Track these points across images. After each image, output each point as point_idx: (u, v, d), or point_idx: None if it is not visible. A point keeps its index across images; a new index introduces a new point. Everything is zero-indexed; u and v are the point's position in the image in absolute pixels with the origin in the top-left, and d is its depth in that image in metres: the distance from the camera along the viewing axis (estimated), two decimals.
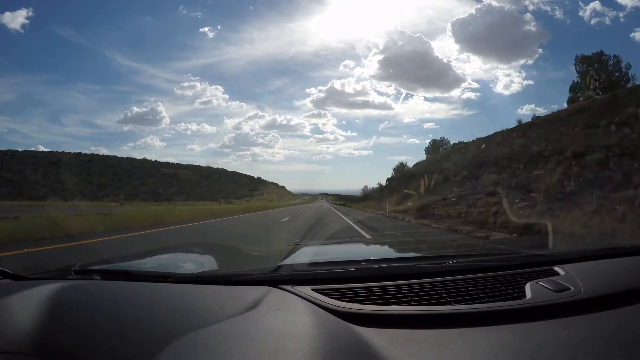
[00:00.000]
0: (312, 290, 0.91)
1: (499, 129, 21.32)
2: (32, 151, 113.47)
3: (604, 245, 1.77)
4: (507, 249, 1.61)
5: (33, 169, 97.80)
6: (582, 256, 1.21)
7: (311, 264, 1.16)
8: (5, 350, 0.69)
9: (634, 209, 7.26)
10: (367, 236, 7.94)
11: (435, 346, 0.70)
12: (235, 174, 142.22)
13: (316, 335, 0.69)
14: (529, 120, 19.15)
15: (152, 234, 9.08)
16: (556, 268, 1.05)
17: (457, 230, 9.03)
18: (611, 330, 0.76)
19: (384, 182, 45.81)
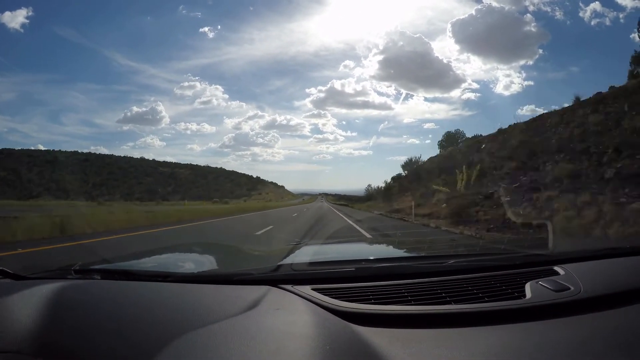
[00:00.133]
0: (312, 289, 0.91)
1: (552, 109, 16.51)
2: (27, 150, 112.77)
3: (604, 245, 1.75)
4: (506, 248, 1.61)
5: (28, 167, 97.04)
6: (582, 256, 1.21)
7: (311, 264, 1.16)
8: (6, 349, 0.70)
9: None
10: (368, 236, 7.88)
11: (435, 346, 0.70)
12: (233, 173, 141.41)
13: (316, 335, 0.69)
14: (594, 94, 14.65)
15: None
16: (556, 268, 1.05)
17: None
18: (611, 330, 0.76)
19: (389, 180, 40.16)
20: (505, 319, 0.78)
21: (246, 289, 0.93)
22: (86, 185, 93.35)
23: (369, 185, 55.54)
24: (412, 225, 11.90)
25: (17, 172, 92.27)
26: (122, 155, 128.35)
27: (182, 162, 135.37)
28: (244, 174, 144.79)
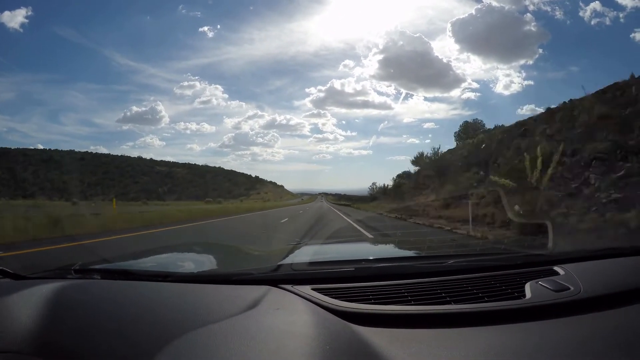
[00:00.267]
0: (312, 289, 0.91)
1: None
2: (24, 149, 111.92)
3: (604, 245, 1.76)
4: (506, 248, 1.60)
5: (23, 166, 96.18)
6: (582, 256, 1.20)
7: (311, 264, 1.16)
8: (6, 349, 0.70)
9: None
10: (369, 235, 7.62)
11: (435, 346, 0.70)
12: (231, 172, 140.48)
13: (316, 335, 0.69)
14: None
15: None
16: (556, 268, 1.05)
17: None
18: (611, 330, 0.76)
19: (394, 178, 36.57)
20: (505, 319, 0.78)
21: (246, 288, 0.93)
22: (81, 184, 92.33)
23: (374, 184, 49.83)
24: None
25: (12, 171, 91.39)
26: (119, 155, 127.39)
27: (180, 162, 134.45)
28: (243, 174, 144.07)
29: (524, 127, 16.10)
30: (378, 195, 40.89)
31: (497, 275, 1.01)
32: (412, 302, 0.85)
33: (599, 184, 7.86)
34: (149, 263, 1.49)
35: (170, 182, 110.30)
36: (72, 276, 1.07)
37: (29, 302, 0.83)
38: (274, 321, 0.75)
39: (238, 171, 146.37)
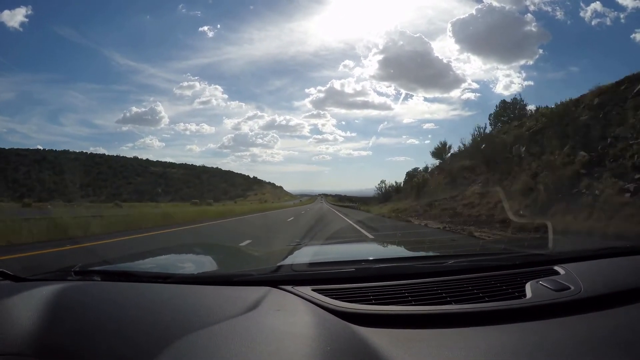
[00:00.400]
0: (313, 290, 0.90)
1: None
2: (16, 149, 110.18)
3: (604, 245, 1.72)
4: (507, 248, 1.59)
5: (15, 167, 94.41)
6: (582, 255, 1.20)
7: (311, 264, 1.15)
8: (6, 351, 0.70)
9: None
10: (370, 236, 7.50)
11: (436, 346, 0.69)
12: (229, 173, 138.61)
13: (316, 336, 0.69)
14: None
15: None
16: (556, 267, 1.05)
17: None
18: (611, 329, 0.76)
19: (402, 178, 33.23)
20: (505, 319, 0.78)
21: (246, 289, 0.93)
22: (73, 185, 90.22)
23: (382, 182, 42.42)
24: None
25: (2, 172, 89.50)
26: (114, 155, 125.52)
27: (176, 162, 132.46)
28: (240, 174, 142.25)
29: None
30: (391, 194, 34.95)
31: (498, 275, 1.01)
32: (413, 303, 0.85)
33: None
34: (149, 264, 1.49)
35: (164, 182, 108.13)
36: (73, 278, 1.06)
37: (30, 304, 0.83)
38: (274, 322, 0.75)
39: (236, 172, 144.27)
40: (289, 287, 0.92)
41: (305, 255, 1.50)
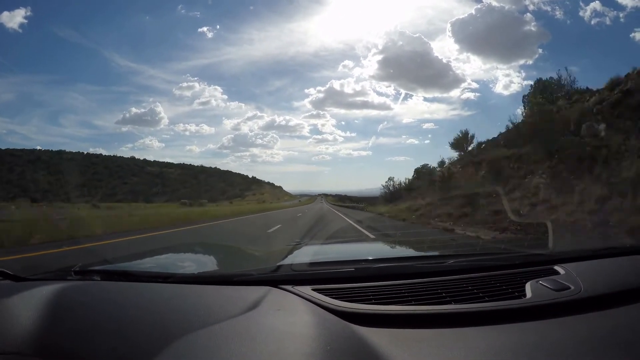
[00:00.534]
0: (313, 290, 0.91)
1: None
2: (11, 149, 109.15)
3: (604, 245, 1.73)
4: (507, 248, 1.60)
5: (10, 167, 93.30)
6: (582, 255, 1.19)
7: (311, 264, 1.15)
8: (6, 351, 0.70)
9: None
10: (371, 236, 7.47)
11: (436, 345, 0.69)
12: (227, 173, 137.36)
13: (316, 335, 0.69)
14: None
15: None
16: (556, 267, 1.05)
17: None
18: (611, 329, 0.76)
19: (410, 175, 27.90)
20: (505, 319, 0.78)
21: (247, 289, 0.93)
22: (68, 185, 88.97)
23: (390, 179, 35.09)
24: None
25: None
26: (111, 155, 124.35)
27: (173, 162, 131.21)
28: (239, 174, 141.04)
29: None
30: (400, 193, 29.11)
31: (498, 275, 1.01)
32: (413, 302, 0.85)
33: None
34: (149, 264, 1.49)
35: (160, 182, 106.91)
36: (72, 277, 1.06)
37: (29, 303, 0.83)
38: (274, 322, 0.75)
39: (234, 172, 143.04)
40: (289, 287, 0.92)
41: (305, 254, 1.51)
